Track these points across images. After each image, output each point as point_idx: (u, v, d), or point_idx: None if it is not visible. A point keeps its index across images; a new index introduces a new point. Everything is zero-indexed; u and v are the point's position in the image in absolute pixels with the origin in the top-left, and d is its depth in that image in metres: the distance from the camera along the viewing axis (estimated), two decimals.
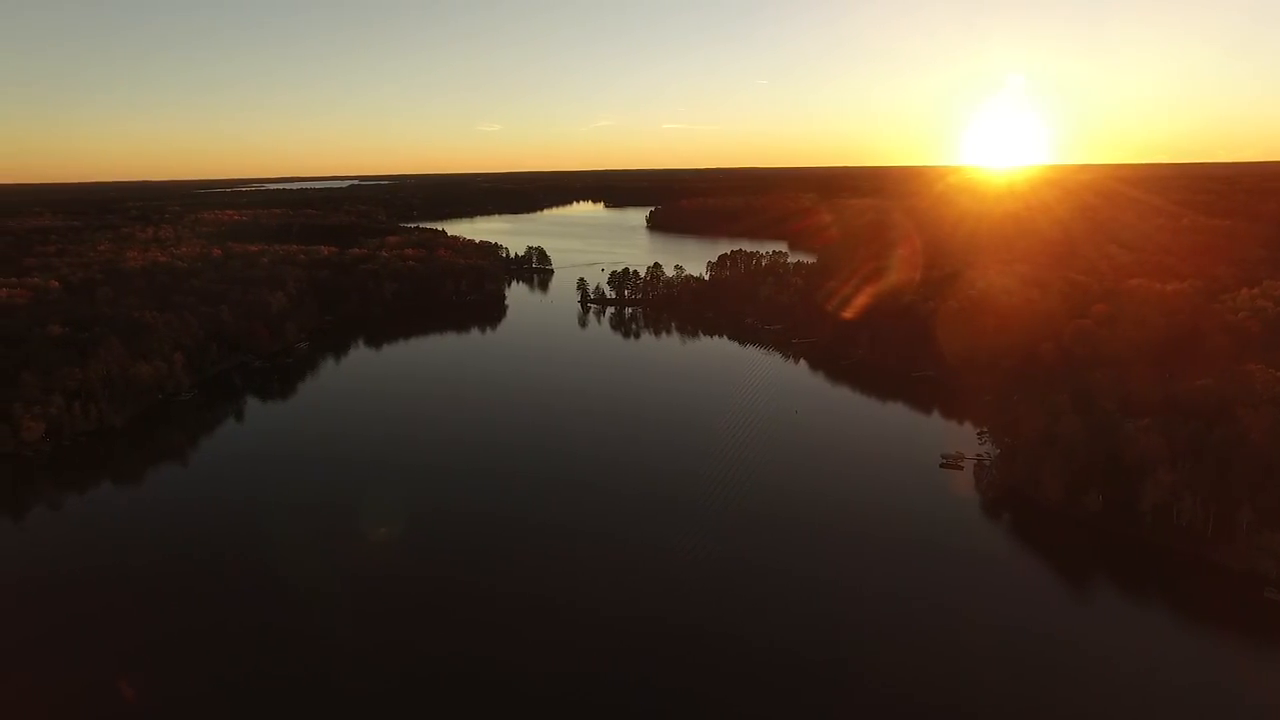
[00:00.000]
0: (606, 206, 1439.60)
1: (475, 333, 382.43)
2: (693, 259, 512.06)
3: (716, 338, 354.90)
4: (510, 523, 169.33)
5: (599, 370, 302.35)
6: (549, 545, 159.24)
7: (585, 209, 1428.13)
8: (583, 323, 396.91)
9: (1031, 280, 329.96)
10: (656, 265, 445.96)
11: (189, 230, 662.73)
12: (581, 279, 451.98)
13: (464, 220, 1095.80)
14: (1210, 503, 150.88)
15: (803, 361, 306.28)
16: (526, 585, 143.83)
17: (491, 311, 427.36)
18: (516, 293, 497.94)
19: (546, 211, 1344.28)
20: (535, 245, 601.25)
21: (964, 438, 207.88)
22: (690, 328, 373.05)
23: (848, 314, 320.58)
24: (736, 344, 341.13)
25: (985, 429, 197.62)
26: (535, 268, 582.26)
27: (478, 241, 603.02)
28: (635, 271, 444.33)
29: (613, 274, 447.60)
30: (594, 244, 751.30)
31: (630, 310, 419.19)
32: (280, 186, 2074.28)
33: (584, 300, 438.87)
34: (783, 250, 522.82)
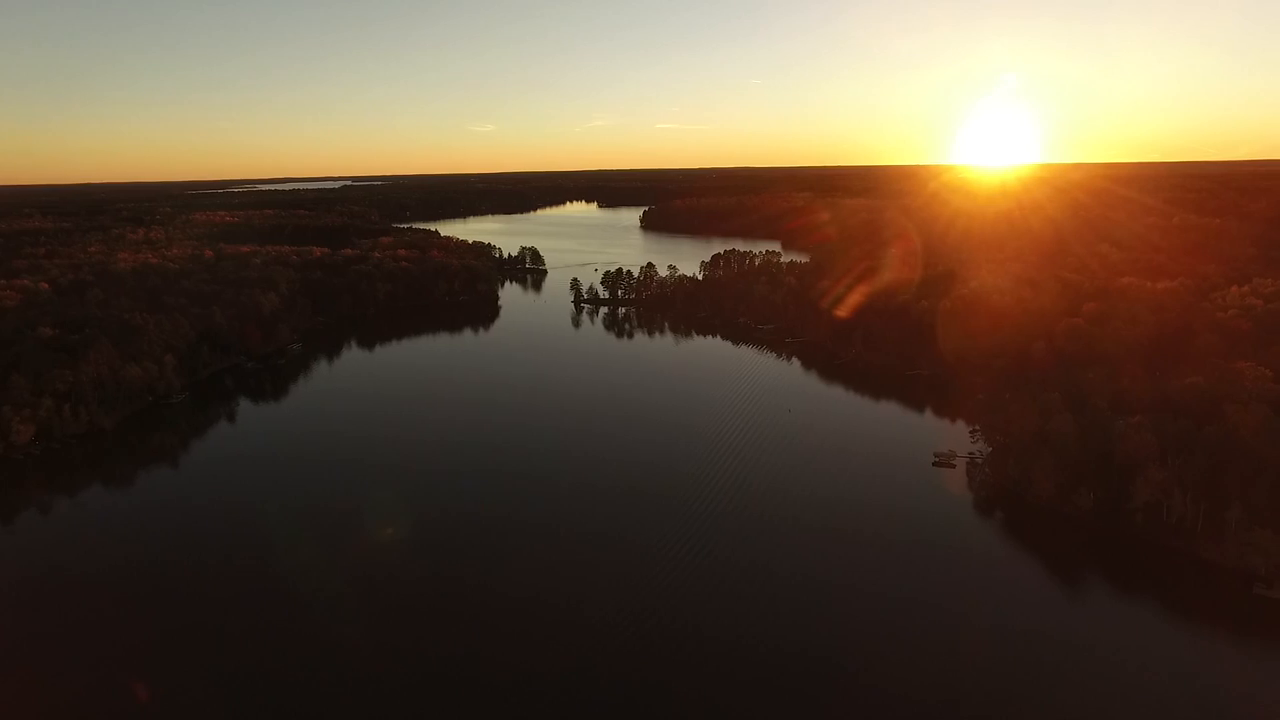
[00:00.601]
0: (600, 206, 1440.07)
1: (468, 333, 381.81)
2: (686, 259, 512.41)
3: (710, 337, 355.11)
4: (504, 523, 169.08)
5: (592, 371, 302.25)
6: (544, 546, 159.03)
7: (579, 209, 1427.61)
8: (576, 323, 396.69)
9: (1024, 279, 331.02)
10: (650, 265, 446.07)
11: (180, 232, 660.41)
12: (575, 279, 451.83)
13: (457, 221, 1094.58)
14: (1200, 500, 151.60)
15: (796, 360, 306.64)
16: (522, 586, 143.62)
17: (484, 312, 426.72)
18: (510, 293, 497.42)
19: (540, 212, 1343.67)
20: (529, 245, 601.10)
21: (957, 436, 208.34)
22: (684, 327, 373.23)
23: (841, 313, 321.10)
24: (730, 343, 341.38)
25: (978, 427, 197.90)
26: (529, 268, 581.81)
27: (471, 242, 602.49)
28: (629, 271, 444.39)
29: (606, 274, 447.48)
30: (588, 244, 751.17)
31: (624, 310, 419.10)
32: (273, 188, 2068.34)
33: (577, 300, 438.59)
34: (776, 250, 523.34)
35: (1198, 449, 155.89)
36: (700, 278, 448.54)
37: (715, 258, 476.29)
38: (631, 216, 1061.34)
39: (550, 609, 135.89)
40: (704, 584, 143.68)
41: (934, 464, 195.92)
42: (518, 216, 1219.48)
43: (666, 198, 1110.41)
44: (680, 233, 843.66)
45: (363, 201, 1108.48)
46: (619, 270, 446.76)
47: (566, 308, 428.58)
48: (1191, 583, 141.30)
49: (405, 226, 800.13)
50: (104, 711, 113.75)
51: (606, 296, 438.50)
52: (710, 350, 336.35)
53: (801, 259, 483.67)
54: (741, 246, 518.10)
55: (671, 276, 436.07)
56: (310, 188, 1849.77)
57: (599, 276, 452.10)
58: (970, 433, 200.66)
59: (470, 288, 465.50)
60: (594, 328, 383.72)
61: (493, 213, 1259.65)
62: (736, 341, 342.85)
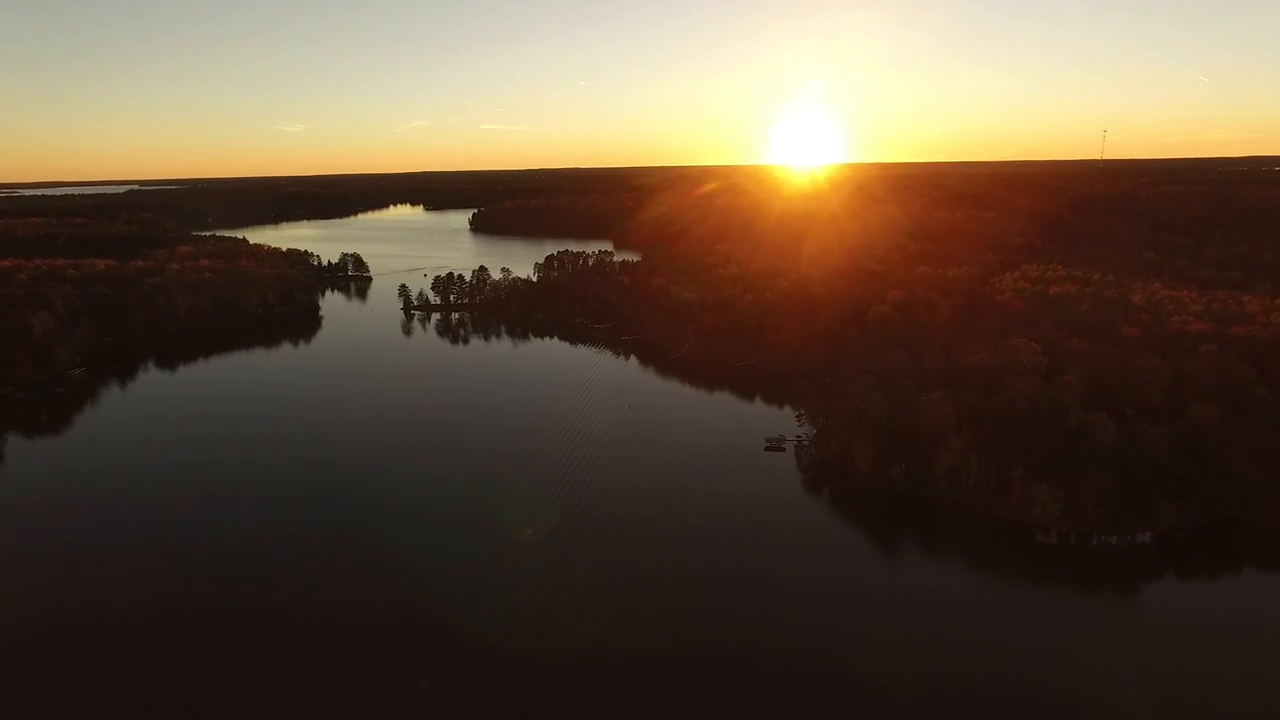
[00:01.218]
0: (426, 209, 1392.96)
1: (287, 347, 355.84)
2: (520, 261, 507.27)
3: (547, 339, 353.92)
4: (340, 547, 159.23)
5: (427, 379, 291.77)
6: (388, 567, 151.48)
7: (404, 212, 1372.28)
8: (407, 331, 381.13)
9: (835, 271, 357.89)
10: (482, 268, 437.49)
11: None
12: (403, 285, 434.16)
13: (268, 227, 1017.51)
14: (991, 463, 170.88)
15: (633, 357, 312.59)
16: (363, 611, 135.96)
17: (305, 324, 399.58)
18: (333, 303, 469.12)
19: (362, 216, 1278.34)
20: (350, 251, 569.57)
21: (785, 421, 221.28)
22: (520, 330, 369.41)
23: (673, 309, 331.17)
24: (568, 344, 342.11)
25: (802, 412, 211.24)
26: (352, 275, 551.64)
27: (285, 249, 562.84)
28: (460, 275, 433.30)
29: (437, 279, 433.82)
30: (415, 248, 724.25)
31: (457, 315, 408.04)
32: (39, 193, 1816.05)
33: (407, 307, 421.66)
34: (609, 249, 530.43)
35: (986, 417, 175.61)
36: (535, 279, 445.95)
37: (549, 259, 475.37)
38: (460, 219, 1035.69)
39: (394, 637, 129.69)
40: (558, 587, 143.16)
41: (766, 449, 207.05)
42: (337, 221, 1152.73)
43: (496, 199, 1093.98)
44: (512, 234, 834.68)
45: (155, 208, 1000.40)
46: (450, 274, 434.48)
47: (396, 315, 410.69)
48: (986, 536, 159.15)
49: (208, 235, 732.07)
50: None
51: (438, 302, 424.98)
52: (549, 352, 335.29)
53: (634, 257, 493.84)
54: (575, 247, 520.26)
55: (505, 279, 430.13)
56: (87, 192, 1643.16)
57: (429, 282, 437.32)
58: (796, 417, 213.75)
59: (287, 298, 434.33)
60: (427, 335, 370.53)
61: (309, 218, 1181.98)
62: (574, 342, 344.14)
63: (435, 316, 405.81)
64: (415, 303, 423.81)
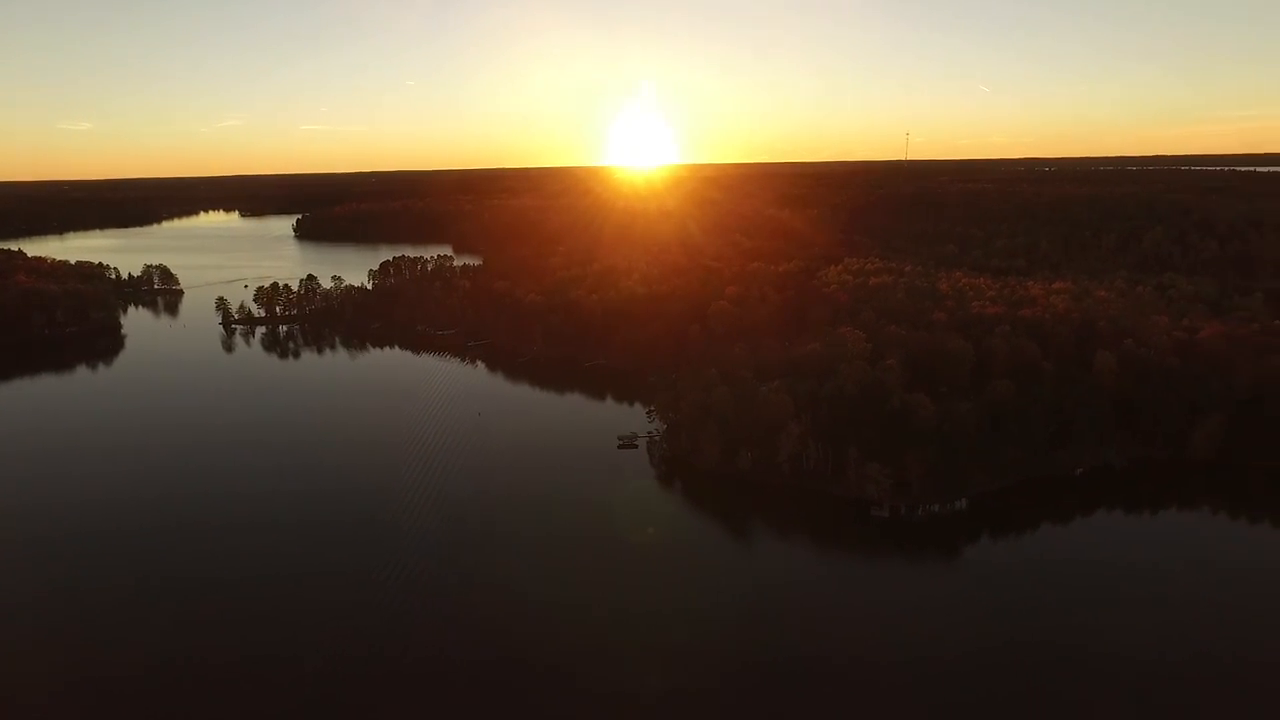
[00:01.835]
0: (244, 215, 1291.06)
1: (83, 370, 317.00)
2: (352, 268, 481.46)
3: (387, 349, 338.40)
4: (171, 582, 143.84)
5: (257, 397, 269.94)
6: (230, 600, 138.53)
7: (218, 219, 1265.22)
8: (228, 346, 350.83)
9: (675, 269, 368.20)
10: (311, 277, 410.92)
11: None
12: (221, 298, 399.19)
13: (51, 238, 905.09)
14: (827, 446, 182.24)
15: (480, 363, 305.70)
16: (205, 647, 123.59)
17: (103, 344, 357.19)
18: (137, 320, 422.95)
19: (168, 224, 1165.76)
20: (156, 263, 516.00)
21: (636, 418, 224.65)
22: (357, 341, 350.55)
23: (519, 312, 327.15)
24: (410, 353, 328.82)
25: (652, 408, 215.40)
26: (158, 289, 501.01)
27: (75, 262, 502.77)
28: (286, 286, 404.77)
29: (260, 289, 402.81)
30: (233, 258, 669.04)
31: (285, 328, 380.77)
32: None
33: (227, 321, 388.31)
34: (448, 254, 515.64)
35: (821, 403, 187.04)
36: (370, 287, 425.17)
37: (384, 265, 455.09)
38: (283, 225, 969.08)
39: (244, 673, 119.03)
40: (415, 605, 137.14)
41: (619, 447, 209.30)
42: (137, 230, 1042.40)
43: (322, 204, 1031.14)
44: (342, 241, 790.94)
45: None
46: (275, 285, 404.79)
47: (214, 331, 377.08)
48: (827, 515, 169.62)
49: None
50: None
51: (263, 315, 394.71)
52: (390, 362, 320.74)
53: (474, 261, 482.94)
54: (411, 252, 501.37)
55: (337, 288, 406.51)
56: None
57: (251, 293, 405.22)
58: (647, 414, 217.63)
59: (80, 317, 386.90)
60: (252, 350, 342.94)
61: (101, 226, 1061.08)
62: (417, 350, 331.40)
63: (260, 330, 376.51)
64: (236, 316, 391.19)
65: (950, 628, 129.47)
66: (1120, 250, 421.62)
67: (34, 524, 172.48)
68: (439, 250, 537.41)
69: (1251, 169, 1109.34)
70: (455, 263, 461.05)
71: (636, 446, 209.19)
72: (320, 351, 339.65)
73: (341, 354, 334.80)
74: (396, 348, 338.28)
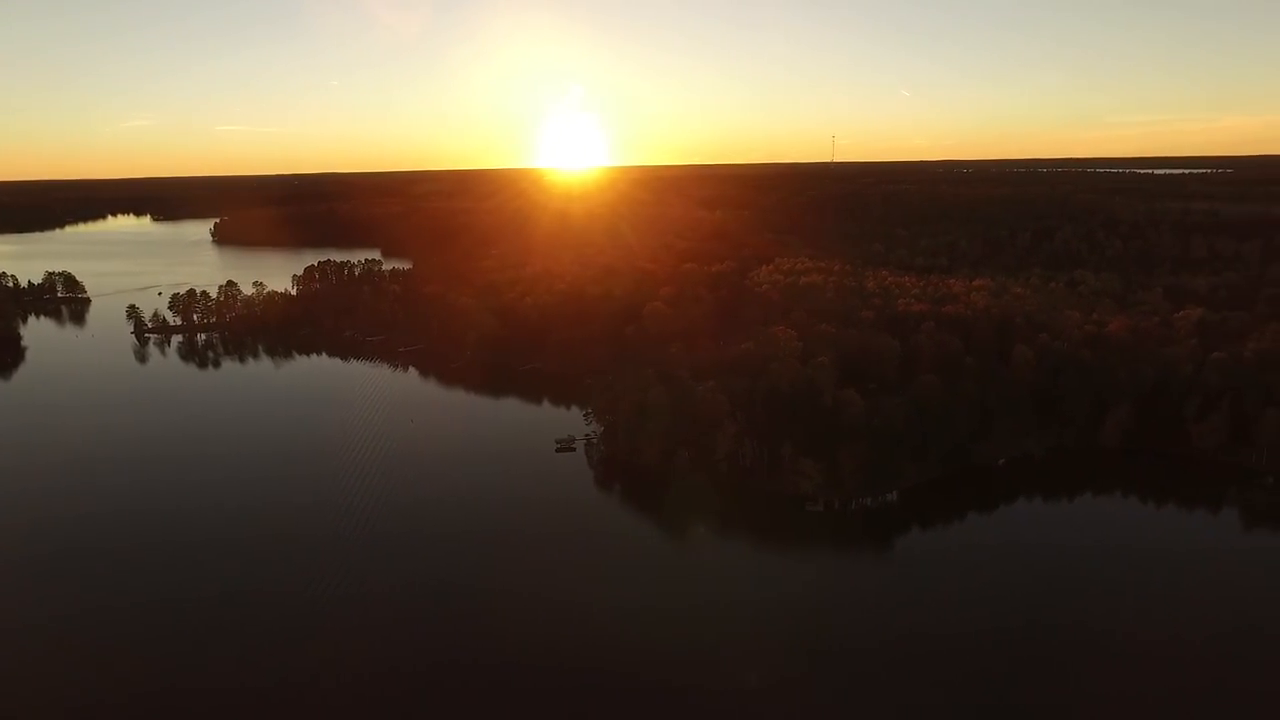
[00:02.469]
0: (156, 219, 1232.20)
1: None
2: (275, 273, 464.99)
3: (315, 356, 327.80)
4: (98, 609, 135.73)
5: (175, 409, 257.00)
6: (165, 619, 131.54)
7: (127, 223, 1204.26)
8: (141, 357, 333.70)
9: (610, 271, 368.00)
10: (231, 283, 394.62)
11: None
12: (133, 306, 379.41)
13: None
14: (763, 443, 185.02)
15: (412, 369, 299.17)
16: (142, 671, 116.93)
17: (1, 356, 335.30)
18: (39, 330, 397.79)
19: (70, 228, 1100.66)
20: (58, 270, 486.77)
21: (574, 421, 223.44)
22: (282, 349, 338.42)
23: (451, 316, 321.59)
24: (339, 360, 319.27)
25: (590, 410, 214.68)
26: (62, 298, 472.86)
27: None
28: (205, 293, 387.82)
29: (175, 297, 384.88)
30: (145, 264, 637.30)
31: (204, 337, 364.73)
32: None
33: (139, 331, 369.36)
34: (376, 258, 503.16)
35: (755, 401, 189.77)
36: (294, 293, 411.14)
37: (309, 270, 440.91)
38: (199, 230, 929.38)
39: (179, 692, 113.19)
40: (354, 617, 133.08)
41: (557, 450, 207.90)
42: (37, 235, 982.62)
43: (241, 207, 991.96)
44: (263, 245, 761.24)
45: None
46: (192, 292, 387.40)
47: (126, 340, 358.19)
48: (763, 511, 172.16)
49: None
50: None
51: (179, 323, 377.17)
52: (318, 369, 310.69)
53: (404, 265, 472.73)
54: (337, 256, 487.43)
55: (260, 294, 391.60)
56: None
57: (165, 300, 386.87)
58: (584, 416, 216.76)
59: None
60: (168, 360, 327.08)
61: None
62: (346, 357, 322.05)
63: (176, 339, 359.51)
64: (150, 325, 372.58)
65: (883, 616, 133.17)
66: (1034, 248, 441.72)
67: None
68: (367, 254, 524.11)
69: (1150, 171, 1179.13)
70: (384, 267, 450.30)
71: (574, 449, 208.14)
72: (243, 360, 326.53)
73: (266, 362, 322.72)
74: (324, 355, 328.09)
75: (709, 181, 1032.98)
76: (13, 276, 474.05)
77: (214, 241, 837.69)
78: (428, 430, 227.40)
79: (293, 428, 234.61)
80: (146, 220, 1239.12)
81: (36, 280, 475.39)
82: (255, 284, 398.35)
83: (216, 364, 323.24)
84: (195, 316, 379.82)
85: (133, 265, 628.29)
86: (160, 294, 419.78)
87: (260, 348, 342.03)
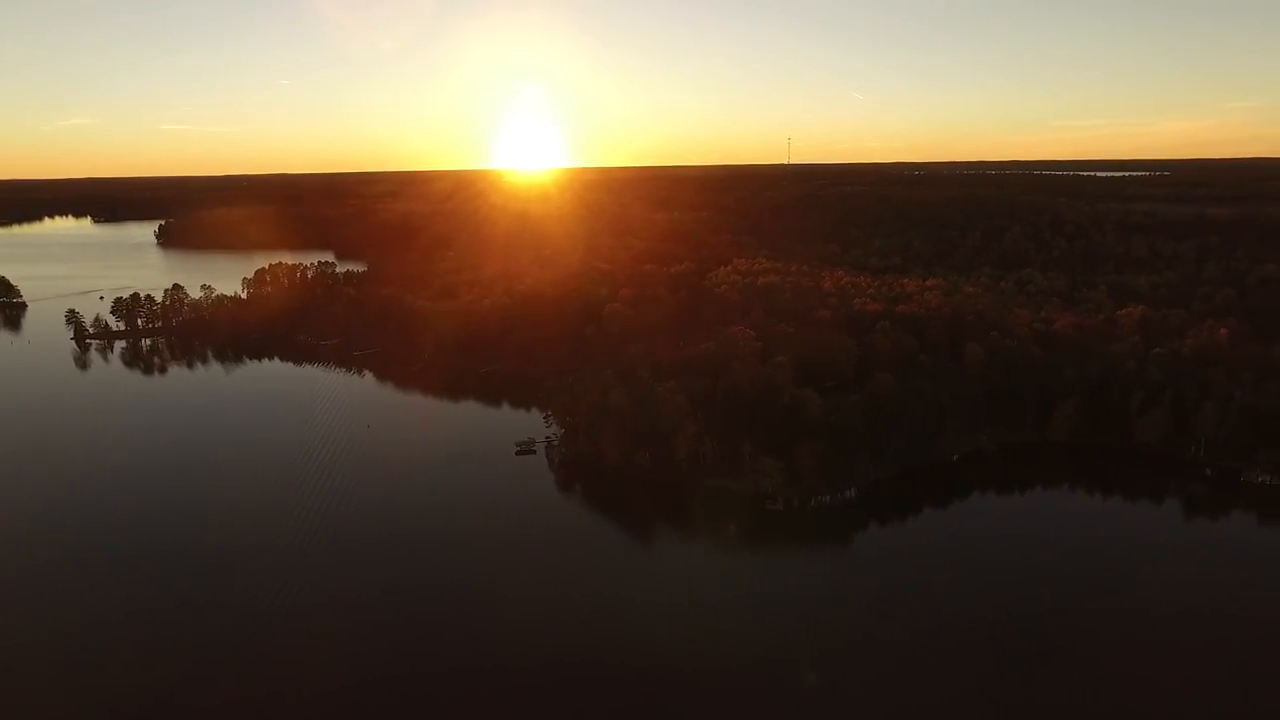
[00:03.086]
0: (98, 221, 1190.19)
1: None
2: (224, 276, 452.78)
3: (267, 360, 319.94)
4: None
5: (119, 416, 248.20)
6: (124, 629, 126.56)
7: (67, 225, 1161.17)
8: (83, 363, 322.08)
9: (569, 272, 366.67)
10: (177, 287, 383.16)
11: None
12: (73, 311, 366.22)
13: None
14: (723, 442, 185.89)
15: (368, 373, 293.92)
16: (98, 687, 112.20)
17: None
18: None
19: (3, 230, 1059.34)
20: None
21: (534, 423, 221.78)
22: (232, 353, 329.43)
23: (407, 319, 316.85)
24: (292, 365, 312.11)
25: (550, 412, 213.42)
26: None
27: None
28: (150, 296, 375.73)
29: (118, 301, 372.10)
30: (85, 267, 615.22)
31: (149, 342, 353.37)
32: None
33: (80, 336, 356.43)
34: (330, 260, 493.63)
35: (715, 401, 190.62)
36: (245, 296, 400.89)
37: (260, 273, 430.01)
38: (144, 232, 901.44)
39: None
40: (314, 626, 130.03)
41: (517, 453, 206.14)
42: None
43: (188, 209, 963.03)
44: (211, 248, 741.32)
45: None
46: (136, 295, 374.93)
47: (65, 346, 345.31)
48: (724, 509, 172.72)
49: None
50: None
51: (122, 328, 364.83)
52: (271, 375, 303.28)
53: (359, 267, 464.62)
54: (289, 259, 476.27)
55: (208, 297, 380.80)
56: None
57: (108, 305, 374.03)
58: (545, 418, 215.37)
59: None
60: (111, 366, 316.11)
61: None
62: (299, 361, 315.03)
63: (120, 345, 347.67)
64: (91, 330, 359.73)
65: (843, 611, 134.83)
66: (984, 248, 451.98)
67: None
68: (320, 256, 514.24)
69: (1092, 174, 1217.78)
70: (338, 269, 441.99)
71: (535, 452, 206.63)
72: (190, 366, 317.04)
73: (215, 368, 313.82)
74: (276, 359, 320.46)
75: (667, 183, 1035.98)
76: None
77: (159, 244, 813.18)
78: (385, 435, 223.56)
79: (245, 434, 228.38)
80: (87, 222, 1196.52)
81: None
82: (204, 287, 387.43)
83: (163, 370, 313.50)
84: (140, 321, 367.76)
85: (72, 269, 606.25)
86: (102, 298, 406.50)
87: (209, 353, 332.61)
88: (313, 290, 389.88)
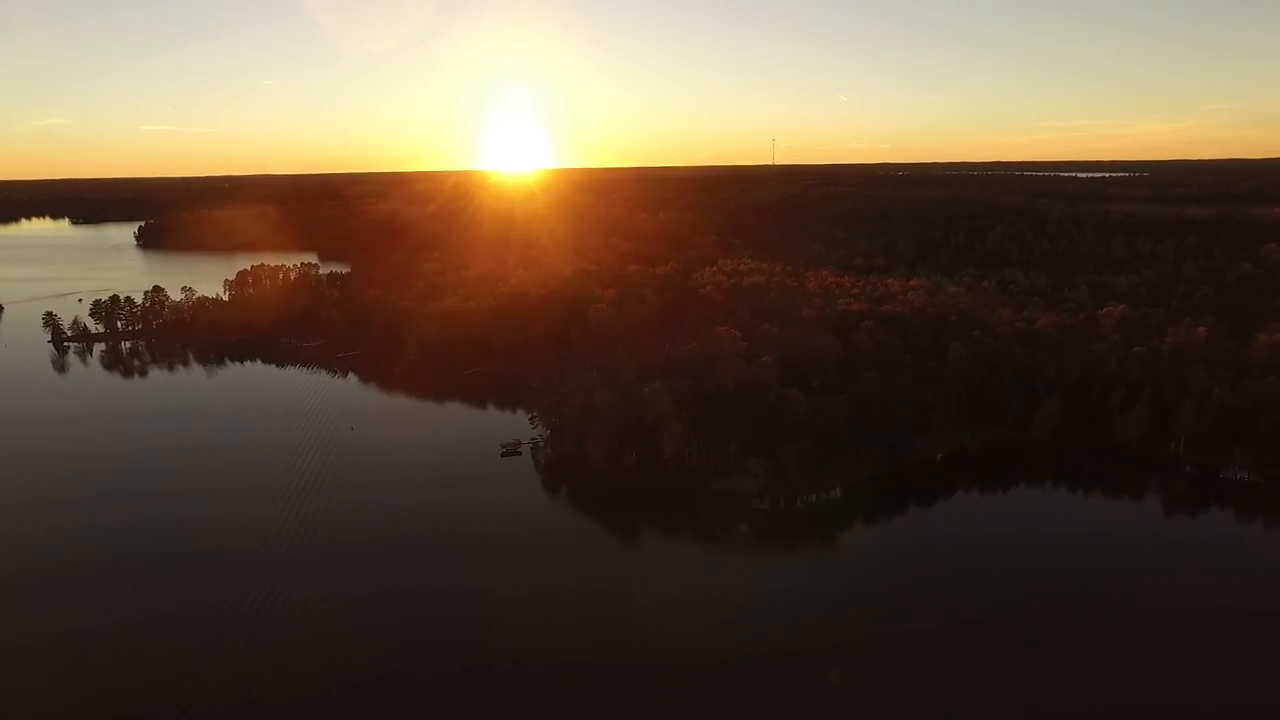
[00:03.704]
0: (76, 223, 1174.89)
1: None
2: (205, 278, 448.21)
3: (249, 363, 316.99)
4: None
5: (100, 421, 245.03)
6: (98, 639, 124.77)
7: (43, 227, 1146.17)
8: (60, 366, 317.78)
9: (553, 273, 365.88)
10: (157, 289, 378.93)
11: None
12: (50, 313, 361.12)
13: None
14: (709, 443, 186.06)
15: (352, 375, 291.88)
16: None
17: None
18: None
19: None
20: None
21: (519, 425, 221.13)
22: (214, 356, 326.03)
23: (391, 320, 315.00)
24: (274, 367, 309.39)
25: (535, 413, 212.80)
26: None
27: None
28: (129, 299, 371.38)
29: (97, 303, 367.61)
30: (64, 269, 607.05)
31: (129, 344, 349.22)
32: None
33: (58, 339, 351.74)
34: (313, 261, 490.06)
35: (701, 401, 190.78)
36: (227, 298, 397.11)
37: (242, 275, 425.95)
38: (123, 233, 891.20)
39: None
40: (300, 632, 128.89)
41: (503, 455, 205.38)
42: None
43: (168, 210, 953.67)
44: (193, 250, 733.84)
45: None
46: (116, 298, 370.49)
47: (43, 349, 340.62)
48: (711, 509, 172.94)
49: None
50: None
51: (101, 330, 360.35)
52: (253, 377, 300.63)
53: (342, 269, 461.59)
54: (272, 260, 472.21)
55: (189, 299, 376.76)
56: None
57: (86, 307, 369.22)
58: (530, 419, 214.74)
59: None
60: (90, 370, 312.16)
61: None
62: (282, 363, 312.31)
63: (99, 348, 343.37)
64: (69, 333, 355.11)
65: (829, 609, 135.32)
66: (966, 249, 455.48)
67: None
68: (303, 258, 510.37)
69: (1073, 174, 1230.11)
70: (321, 270, 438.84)
71: (520, 453, 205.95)
72: (171, 369, 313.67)
73: (197, 370, 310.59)
74: (259, 362, 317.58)
75: (653, 184, 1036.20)
76: None
77: (139, 245, 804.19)
78: (369, 437, 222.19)
79: (227, 437, 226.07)
80: (65, 223, 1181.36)
81: None
82: (184, 289, 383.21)
83: (143, 373, 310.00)
84: (119, 324, 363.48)
85: (50, 271, 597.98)
86: (81, 300, 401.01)
87: (190, 355, 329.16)
88: (296, 292, 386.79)
